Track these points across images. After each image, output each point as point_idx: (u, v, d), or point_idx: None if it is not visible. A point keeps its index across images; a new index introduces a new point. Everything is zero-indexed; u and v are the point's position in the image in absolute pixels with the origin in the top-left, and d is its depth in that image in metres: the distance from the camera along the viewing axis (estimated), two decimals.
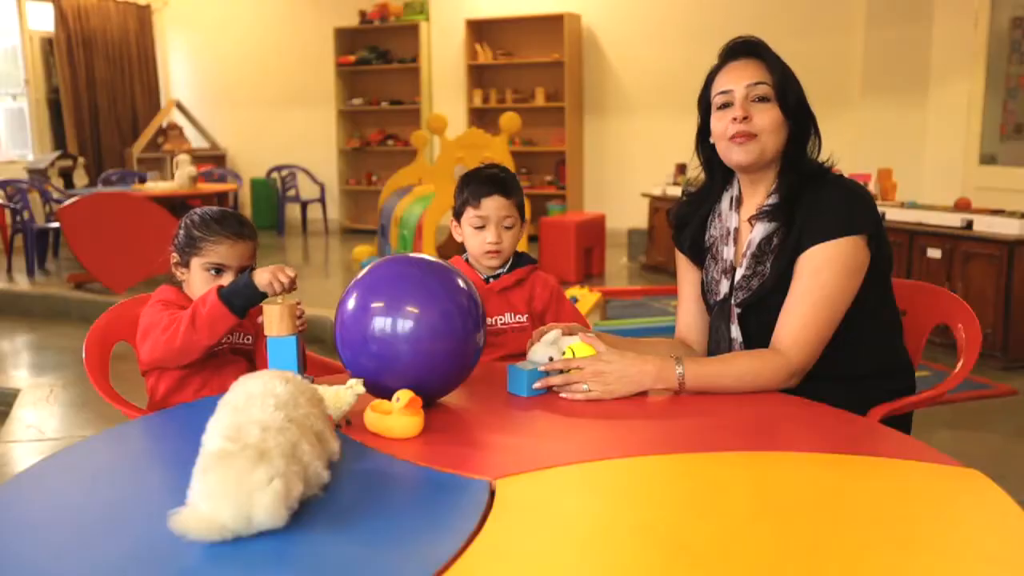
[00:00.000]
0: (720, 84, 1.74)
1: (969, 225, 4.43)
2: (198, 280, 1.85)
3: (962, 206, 4.71)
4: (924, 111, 6.61)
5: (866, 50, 6.90)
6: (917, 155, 6.54)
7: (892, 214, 4.83)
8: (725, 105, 1.73)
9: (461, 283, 1.53)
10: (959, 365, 1.88)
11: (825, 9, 7.27)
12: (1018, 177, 6.00)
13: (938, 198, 5.52)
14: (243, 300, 1.72)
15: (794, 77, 1.74)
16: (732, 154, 1.74)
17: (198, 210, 1.91)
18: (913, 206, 4.85)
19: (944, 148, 6.50)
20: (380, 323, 1.46)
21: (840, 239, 1.64)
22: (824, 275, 1.64)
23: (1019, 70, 6.16)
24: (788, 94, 1.71)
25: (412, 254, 1.65)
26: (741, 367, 1.64)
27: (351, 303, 1.51)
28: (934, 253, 4.57)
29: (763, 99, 1.70)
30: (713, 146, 1.79)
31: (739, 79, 1.71)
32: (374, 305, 1.47)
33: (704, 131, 1.82)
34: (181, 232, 1.89)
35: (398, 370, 1.46)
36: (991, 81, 6.27)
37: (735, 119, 1.70)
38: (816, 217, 1.67)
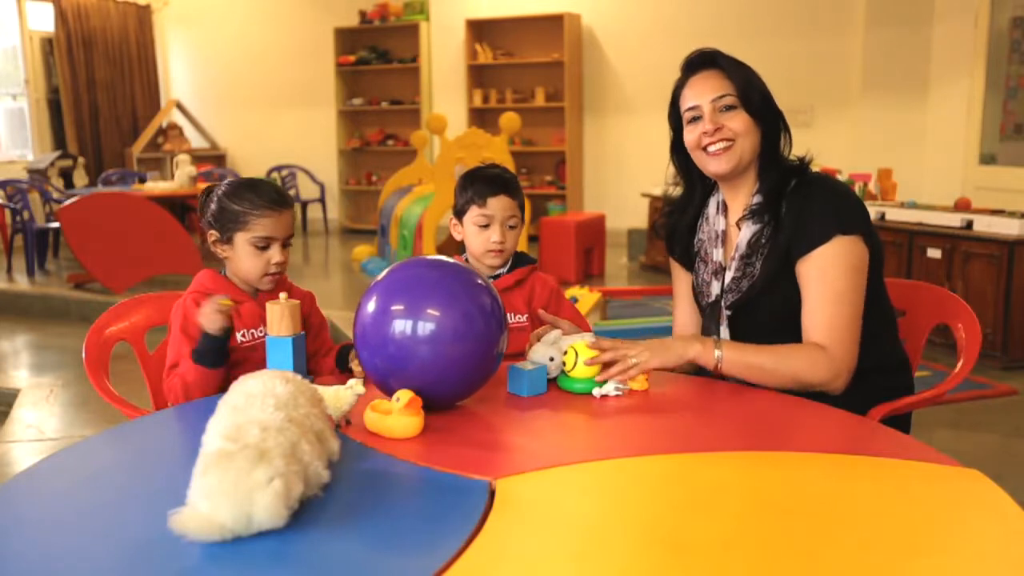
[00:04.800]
0: (687, 99, 1.78)
1: (969, 225, 4.43)
2: (244, 255, 1.76)
3: (962, 206, 4.71)
4: (924, 111, 6.61)
5: (866, 50, 6.90)
6: (917, 155, 6.54)
7: (892, 214, 4.83)
8: (695, 119, 1.76)
9: (481, 283, 1.52)
10: (959, 365, 1.88)
11: (825, 9, 7.27)
12: (1018, 177, 6.00)
13: (938, 198, 5.52)
14: (212, 353, 1.69)
15: (757, 78, 1.77)
16: (710, 164, 1.77)
17: (228, 181, 1.79)
18: (913, 206, 4.85)
19: (944, 148, 6.50)
20: (400, 325, 1.43)
21: (834, 240, 1.66)
22: (830, 274, 1.66)
23: (1019, 70, 6.16)
24: (752, 97, 1.74)
25: (431, 256, 1.62)
26: (782, 358, 1.66)
27: (371, 305, 1.48)
28: (934, 253, 4.57)
29: (730, 107, 1.73)
30: (688, 154, 1.82)
31: (703, 93, 1.74)
32: (394, 308, 1.45)
33: (677, 143, 1.84)
34: (213, 207, 1.76)
35: (414, 372, 1.44)
36: (991, 81, 6.27)
37: (706, 132, 1.73)
38: (806, 221, 1.68)
